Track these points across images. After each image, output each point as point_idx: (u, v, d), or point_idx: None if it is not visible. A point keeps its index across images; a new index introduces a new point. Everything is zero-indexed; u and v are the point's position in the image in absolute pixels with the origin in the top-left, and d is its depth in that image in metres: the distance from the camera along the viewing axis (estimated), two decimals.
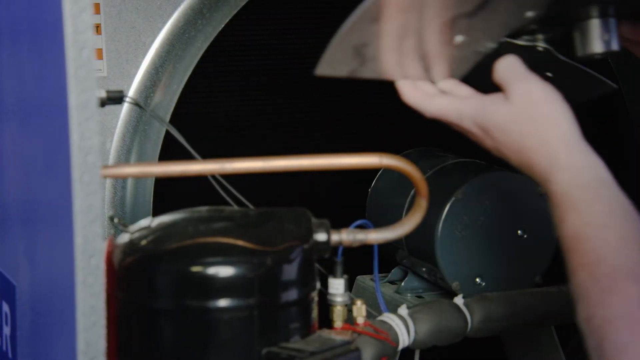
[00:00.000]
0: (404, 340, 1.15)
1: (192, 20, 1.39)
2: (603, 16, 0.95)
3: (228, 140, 1.67)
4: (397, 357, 1.23)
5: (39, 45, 0.88)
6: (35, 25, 0.89)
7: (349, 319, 1.09)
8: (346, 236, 1.03)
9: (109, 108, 1.34)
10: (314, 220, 1.03)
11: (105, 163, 1.36)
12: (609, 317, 0.66)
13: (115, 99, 1.19)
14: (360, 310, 1.10)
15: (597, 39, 0.95)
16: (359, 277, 1.52)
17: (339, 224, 1.05)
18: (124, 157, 1.37)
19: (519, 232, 1.35)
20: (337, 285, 1.07)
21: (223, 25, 1.42)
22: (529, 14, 0.93)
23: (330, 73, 0.95)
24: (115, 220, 1.03)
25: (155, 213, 1.15)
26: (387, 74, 0.96)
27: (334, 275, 1.07)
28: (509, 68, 0.88)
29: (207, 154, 1.15)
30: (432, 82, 0.98)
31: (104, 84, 1.35)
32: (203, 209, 1.04)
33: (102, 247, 0.87)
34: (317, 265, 1.03)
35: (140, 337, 0.98)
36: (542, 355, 1.40)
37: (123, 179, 1.37)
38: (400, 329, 1.14)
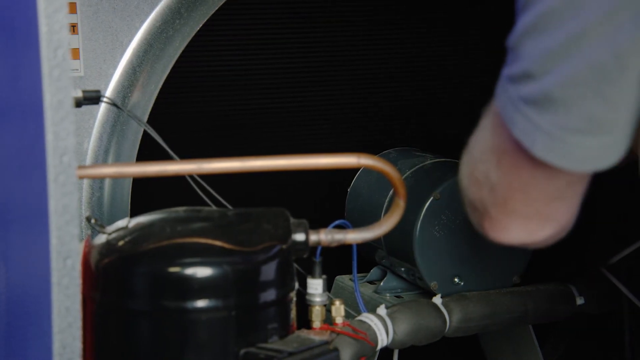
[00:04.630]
0: (383, 340, 1.15)
1: (170, 20, 1.38)
2: None
3: (206, 140, 1.66)
4: (376, 357, 1.23)
5: (13, 45, 0.87)
6: (10, 24, 0.88)
7: (328, 319, 1.09)
8: (324, 236, 1.03)
9: (86, 108, 1.33)
10: (292, 220, 1.03)
11: (82, 163, 1.35)
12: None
13: (91, 98, 1.18)
14: (339, 310, 1.10)
15: None
16: (338, 277, 1.52)
17: (317, 224, 1.05)
18: (102, 158, 1.36)
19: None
20: (315, 286, 1.07)
21: (201, 25, 1.41)
22: None
23: None
24: (92, 221, 1.02)
25: (133, 213, 1.15)
26: None
27: (313, 276, 1.07)
28: None
29: (185, 154, 1.15)
30: None
31: (80, 83, 1.34)
32: (181, 209, 1.04)
33: (79, 248, 0.86)
34: (295, 265, 1.03)
35: (117, 339, 0.98)
36: (520, 354, 1.41)
37: (100, 179, 1.36)
38: (379, 328, 1.14)
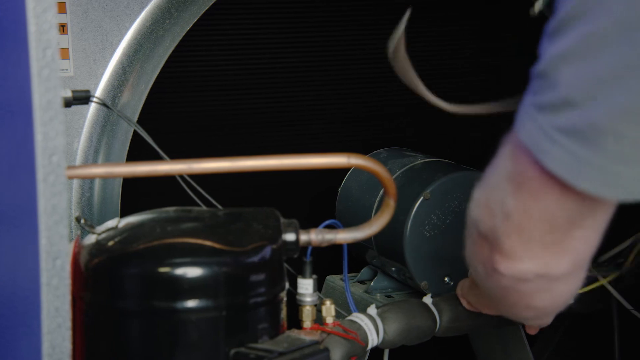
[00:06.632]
0: (373, 340, 1.15)
1: (160, 20, 1.38)
2: None
3: (196, 140, 1.66)
4: (367, 357, 1.23)
5: (1, 44, 0.87)
6: None
7: (318, 319, 1.09)
8: (315, 236, 1.03)
9: (76, 108, 1.33)
10: (282, 220, 1.03)
11: (71, 163, 1.35)
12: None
13: (81, 98, 1.18)
14: (329, 310, 1.10)
15: None
16: (328, 277, 1.52)
17: (308, 224, 1.05)
18: (92, 158, 1.36)
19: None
20: (306, 286, 1.07)
21: (191, 25, 1.41)
22: None
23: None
24: (82, 221, 1.02)
25: (123, 214, 1.15)
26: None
27: (303, 276, 1.07)
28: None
29: (175, 154, 1.15)
30: None
31: (70, 83, 1.33)
32: (171, 209, 1.04)
33: (68, 249, 0.86)
34: (286, 265, 1.03)
35: (107, 339, 0.97)
36: (510, 354, 1.41)
37: (90, 179, 1.36)
38: (370, 328, 1.14)
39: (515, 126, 0.83)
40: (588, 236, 0.86)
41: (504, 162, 0.86)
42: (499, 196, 0.86)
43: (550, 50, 0.78)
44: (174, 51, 1.41)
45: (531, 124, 0.80)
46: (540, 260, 0.87)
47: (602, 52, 0.74)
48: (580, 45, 0.75)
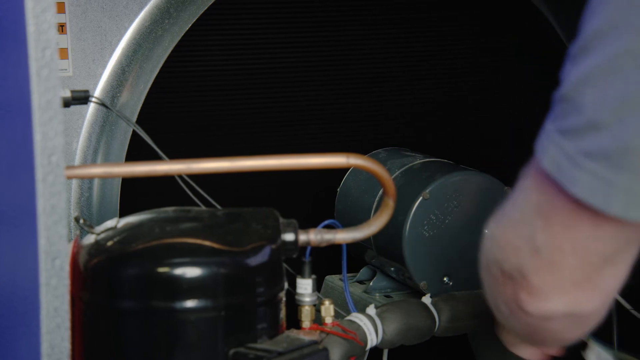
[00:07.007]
0: (372, 340, 1.15)
1: (159, 20, 1.38)
2: None
3: (195, 140, 1.66)
4: (366, 357, 1.24)
5: (1, 44, 0.87)
6: None
7: (317, 319, 1.09)
8: (314, 236, 1.03)
9: (75, 108, 1.33)
10: (281, 220, 1.03)
11: (70, 163, 1.35)
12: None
13: (80, 98, 1.18)
14: (328, 310, 1.10)
15: None
16: (327, 277, 1.52)
17: (307, 224, 1.05)
18: (91, 158, 1.36)
19: (487, 231, 1.36)
20: (305, 286, 1.07)
21: (190, 25, 1.41)
22: None
23: None
24: (81, 221, 1.02)
25: (122, 214, 1.14)
26: None
27: (302, 276, 1.07)
28: None
29: (174, 154, 1.15)
30: None
31: (69, 83, 1.33)
32: (170, 209, 1.04)
33: (67, 249, 0.86)
34: (285, 265, 1.03)
35: (106, 339, 0.97)
36: (509, 354, 1.41)
37: (89, 179, 1.36)
38: (369, 328, 1.14)
39: (537, 155, 0.80)
40: (619, 271, 0.84)
41: (527, 195, 0.83)
42: (526, 232, 0.83)
43: (573, 73, 0.77)
44: (173, 51, 1.41)
45: (554, 149, 0.77)
46: (570, 297, 0.84)
47: (627, 71, 0.73)
48: (604, 66, 0.74)
